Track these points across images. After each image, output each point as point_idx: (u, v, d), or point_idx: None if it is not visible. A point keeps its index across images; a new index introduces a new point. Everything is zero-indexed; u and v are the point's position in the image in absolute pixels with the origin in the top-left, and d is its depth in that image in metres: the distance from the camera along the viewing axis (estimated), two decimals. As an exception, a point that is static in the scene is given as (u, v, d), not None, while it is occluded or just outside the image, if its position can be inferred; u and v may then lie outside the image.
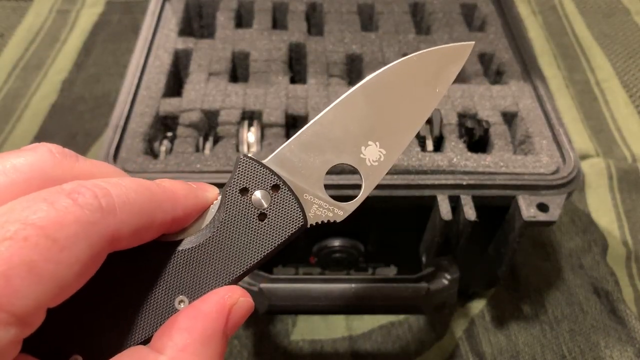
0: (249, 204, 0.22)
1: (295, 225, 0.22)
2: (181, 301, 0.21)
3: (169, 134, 0.45)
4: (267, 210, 0.22)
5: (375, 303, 0.41)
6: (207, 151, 0.43)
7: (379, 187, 0.39)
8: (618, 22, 0.81)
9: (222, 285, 0.21)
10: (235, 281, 0.21)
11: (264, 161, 0.23)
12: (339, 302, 0.41)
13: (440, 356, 0.48)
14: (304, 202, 0.23)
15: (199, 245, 0.21)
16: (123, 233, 0.18)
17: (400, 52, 0.51)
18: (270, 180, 0.22)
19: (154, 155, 0.43)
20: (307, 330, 0.50)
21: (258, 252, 0.21)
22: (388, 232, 0.44)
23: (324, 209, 0.23)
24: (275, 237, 0.22)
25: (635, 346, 0.48)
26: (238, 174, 0.22)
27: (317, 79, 0.48)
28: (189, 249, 0.21)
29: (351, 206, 0.24)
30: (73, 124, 0.67)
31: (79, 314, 0.20)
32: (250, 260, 0.21)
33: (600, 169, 0.62)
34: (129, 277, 0.20)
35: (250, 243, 0.21)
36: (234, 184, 0.22)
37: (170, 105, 0.45)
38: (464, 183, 0.39)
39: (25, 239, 0.15)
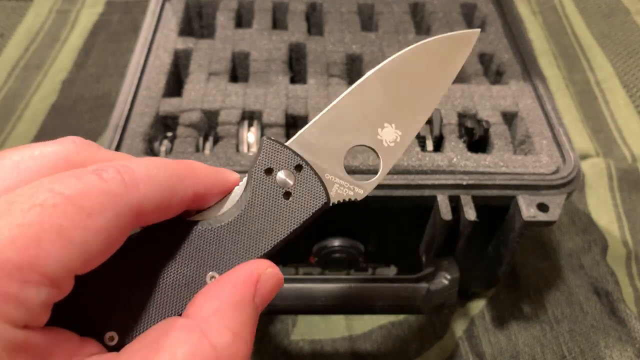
0: (274, 183, 0.23)
1: (319, 203, 0.23)
2: (212, 277, 0.21)
3: (169, 134, 0.45)
4: (291, 189, 0.23)
5: (375, 303, 0.41)
6: (207, 151, 0.43)
7: (379, 187, 0.39)
8: (618, 22, 0.81)
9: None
10: (264, 258, 0.22)
11: (286, 143, 0.24)
12: (339, 302, 0.41)
13: (440, 356, 0.48)
14: (326, 182, 0.23)
15: (229, 223, 0.22)
16: (147, 206, 0.19)
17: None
18: (294, 161, 0.23)
19: (154, 155, 0.43)
20: (307, 330, 0.50)
21: (285, 229, 0.22)
22: (388, 232, 0.44)
23: (345, 188, 0.24)
24: (301, 214, 0.23)
25: (635, 346, 0.48)
26: (263, 155, 0.23)
27: (317, 79, 0.48)
28: (219, 226, 0.22)
29: (370, 185, 0.25)
30: (73, 124, 0.67)
31: (112, 291, 0.20)
32: (278, 236, 0.22)
33: (600, 169, 0.62)
34: (159, 254, 0.21)
35: (277, 220, 0.22)
36: (259, 165, 0.23)
37: (170, 105, 0.45)
38: (464, 183, 0.39)
39: (55, 205, 0.16)
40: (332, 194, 0.24)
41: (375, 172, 0.25)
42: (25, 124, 0.67)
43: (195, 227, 0.22)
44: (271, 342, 0.49)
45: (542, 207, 0.38)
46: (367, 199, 0.25)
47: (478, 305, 0.51)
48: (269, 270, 0.21)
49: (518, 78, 0.48)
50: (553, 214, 0.38)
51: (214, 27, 0.54)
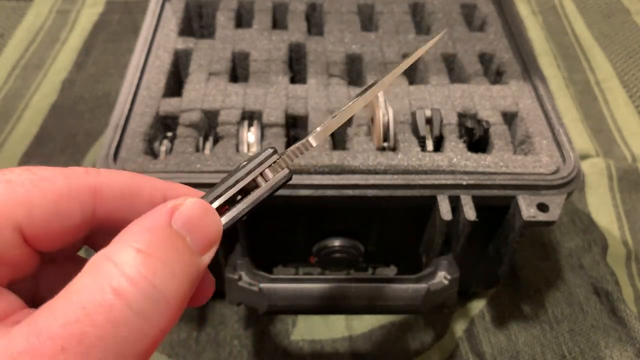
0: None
1: (263, 150, 0.22)
2: None
3: (169, 134, 0.45)
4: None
5: (375, 303, 0.41)
6: (207, 151, 0.43)
7: (379, 187, 0.39)
8: (618, 22, 0.81)
9: None
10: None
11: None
12: (339, 302, 0.41)
13: (440, 356, 0.48)
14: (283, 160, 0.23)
15: None
16: (106, 189, 0.20)
17: (400, 52, 0.51)
18: None
19: (154, 155, 0.43)
20: (307, 330, 0.50)
21: (227, 178, 0.22)
22: (388, 232, 0.44)
23: (293, 150, 0.23)
24: (244, 163, 0.22)
25: (635, 346, 0.48)
26: None
27: (317, 79, 0.48)
28: None
29: (318, 128, 0.23)
30: (73, 124, 0.67)
31: None
32: (221, 184, 0.21)
33: (600, 169, 0.62)
34: None
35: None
36: None
37: (170, 105, 0.45)
38: (464, 183, 0.39)
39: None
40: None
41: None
42: (25, 124, 0.67)
43: None
44: (271, 342, 0.49)
45: (542, 207, 0.38)
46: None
47: (478, 305, 0.51)
48: (188, 200, 0.19)
49: (518, 78, 0.48)
50: (553, 214, 0.38)
51: (214, 27, 0.54)
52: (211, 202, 0.21)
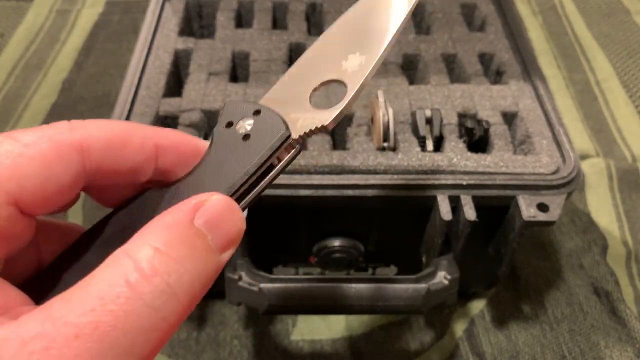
0: (234, 131, 0.22)
1: (278, 135, 0.22)
2: None
3: (169, 134, 0.45)
4: (250, 132, 0.22)
5: (375, 303, 0.41)
6: (207, 151, 0.43)
7: (379, 187, 0.39)
8: (618, 22, 0.81)
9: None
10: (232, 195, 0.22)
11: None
12: (339, 302, 0.41)
13: (440, 356, 0.48)
14: (290, 121, 0.23)
15: (188, 174, 0.22)
16: (93, 142, 0.19)
17: (401, 52, 0.51)
18: (252, 109, 0.23)
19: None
20: (307, 330, 0.50)
21: (246, 166, 0.21)
22: (388, 232, 0.44)
23: (309, 120, 0.23)
24: (261, 149, 0.22)
25: (635, 346, 0.48)
26: (224, 113, 0.23)
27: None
28: (181, 178, 0.22)
29: (334, 111, 0.23)
30: (73, 124, 0.67)
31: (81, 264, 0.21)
32: (240, 175, 0.21)
33: (600, 169, 0.62)
34: (121, 218, 0.22)
35: (238, 160, 0.22)
36: (220, 123, 0.23)
37: (170, 105, 0.45)
38: (464, 183, 0.39)
39: None
40: (297, 127, 0.23)
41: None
42: (25, 124, 0.67)
43: (158, 189, 0.22)
44: (271, 342, 0.49)
45: (542, 207, 0.38)
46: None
47: (478, 305, 0.51)
48: (214, 197, 0.19)
49: (518, 78, 0.48)
50: (553, 214, 0.38)
51: (214, 27, 0.54)
52: (233, 195, 0.21)
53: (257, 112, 0.23)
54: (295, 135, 0.23)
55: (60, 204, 0.20)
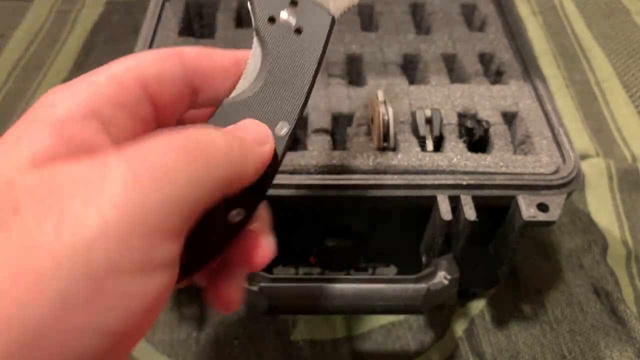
0: (281, 27, 0.23)
1: (327, 22, 0.23)
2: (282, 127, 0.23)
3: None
4: (299, 25, 0.23)
5: (375, 303, 0.41)
6: (207, 151, 0.43)
7: (378, 187, 0.39)
8: (618, 22, 0.81)
9: (303, 98, 0.24)
10: (309, 91, 0.23)
11: None
12: (339, 302, 0.41)
13: (440, 356, 0.48)
14: (323, 2, 0.23)
15: (265, 83, 0.22)
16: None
17: (401, 52, 0.51)
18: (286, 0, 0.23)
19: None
20: (307, 330, 0.50)
21: (312, 61, 0.22)
22: (388, 232, 0.44)
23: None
24: (319, 41, 0.23)
25: (635, 346, 0.48)
26: (258, 8, 0.23)
27: (317, 78, 0.48)
28: (257, 89, 0.22)
29: None
30: (73, 124, 0.67)
31: None
32: (310, 71, 0.22)
33: (600, 169, 0.62)
34: None
35: (302, 57, 0.22)
36: (260, 19, 0.23)
37: (170, 105, 0.45)
38: (464, 183, 0.39)
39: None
40: (332, 9, 0.23)
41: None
42: (25, 124, 0.66)
43: (225, 103, 0.23)
44: (271, 342, 0.49)
45: (542, 207, 0.38)
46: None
47: (478, 305, 0.51)
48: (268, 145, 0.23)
49: (518, 78, 0.48)
50: (553, 214, 0.38)
51: (214, 27, 0.54)
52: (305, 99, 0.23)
53: (293, 3, 0.23)
54: (337, 15, 0.23)
55: (181, 107, 0.24)
